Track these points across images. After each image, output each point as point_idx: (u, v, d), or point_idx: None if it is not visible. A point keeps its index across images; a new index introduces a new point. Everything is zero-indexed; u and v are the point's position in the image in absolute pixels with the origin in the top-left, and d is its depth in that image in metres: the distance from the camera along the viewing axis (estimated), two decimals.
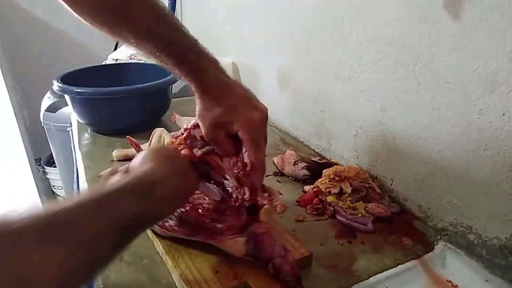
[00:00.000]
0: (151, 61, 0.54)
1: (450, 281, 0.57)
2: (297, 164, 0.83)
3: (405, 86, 0.67)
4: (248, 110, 0.51)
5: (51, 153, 1.87)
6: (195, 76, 0.51)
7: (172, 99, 1.20)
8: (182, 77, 0.52)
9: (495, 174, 0.55)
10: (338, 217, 0.69)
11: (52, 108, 1.57)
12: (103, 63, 1.51)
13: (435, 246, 0.63)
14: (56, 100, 1.58)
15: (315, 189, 0.76)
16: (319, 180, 0.77)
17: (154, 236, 0.61)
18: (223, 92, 0.51)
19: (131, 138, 0.82)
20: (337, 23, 0.80)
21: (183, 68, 0.51)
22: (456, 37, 0.56)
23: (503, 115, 0.52)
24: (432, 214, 0.68)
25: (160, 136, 0.94)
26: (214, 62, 0.52)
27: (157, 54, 0.51)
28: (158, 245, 0.59)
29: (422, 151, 0.67)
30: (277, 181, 0.83)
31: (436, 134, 0.63)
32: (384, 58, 0.70)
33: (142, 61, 1.42)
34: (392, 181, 0.75)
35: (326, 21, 0.83)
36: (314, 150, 0.99)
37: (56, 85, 1.01)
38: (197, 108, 0.53)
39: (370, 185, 0.75)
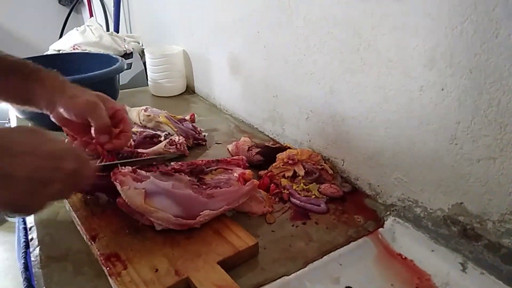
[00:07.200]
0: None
1: (400, 254, 0.59)
2: (251, 150, 0.82)
3: (351, 66, 0.68)
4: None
5: None
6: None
7: (121, 91, 1.15)
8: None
9: (438, 148, 0.58)
10: (293, 199, 0.69)
11: None
12: (44, 54, 1.41)
13: (385, 222, 0.64)
14: None
15: (269, 173, 0.75)
16: (273, 164, 0.77)
17: (88, 237, 0.57)
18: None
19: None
20: (284, 5, 0.79)
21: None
22: (397, 16, 0.57)
23: (442, 90, 0.54)
24: (381, 191, 0.70)
25: None
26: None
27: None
28: (93, 248, 0.55)
29: (370, 130, 0.68)
30: None
31: (382, 112, 0.65)
32: (331, 40, 0.71)
33: (86, 51, 1.35)
34: (344, 162, 0.77)
35: (274, 4, 0.82)
36: (268, 135, 0.98)
37: None
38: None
39: (323, 166, 0.76)
